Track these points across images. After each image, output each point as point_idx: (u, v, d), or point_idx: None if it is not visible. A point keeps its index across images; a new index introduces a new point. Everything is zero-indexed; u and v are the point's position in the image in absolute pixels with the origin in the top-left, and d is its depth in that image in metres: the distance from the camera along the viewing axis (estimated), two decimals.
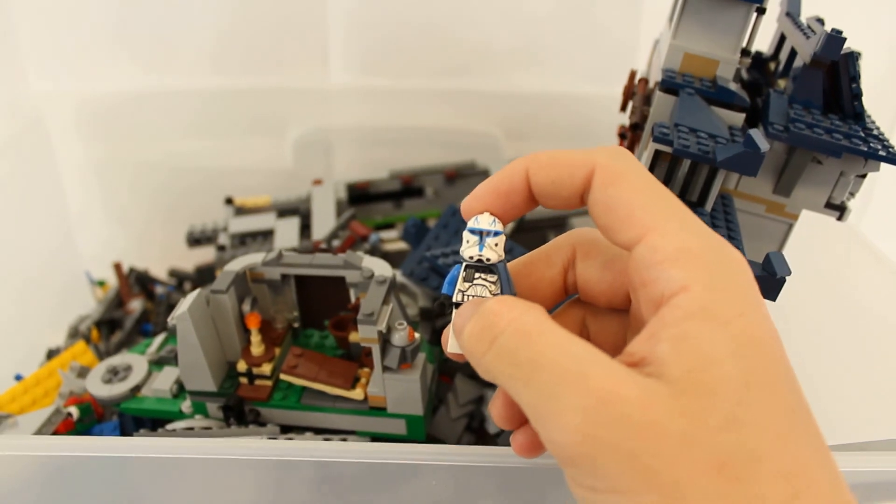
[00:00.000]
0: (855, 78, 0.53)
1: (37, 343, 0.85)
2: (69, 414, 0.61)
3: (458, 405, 0.62)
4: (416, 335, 0.55)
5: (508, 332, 0.32)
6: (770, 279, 0.42)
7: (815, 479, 0.28)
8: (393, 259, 0.80)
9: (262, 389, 0.59)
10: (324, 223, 0.84)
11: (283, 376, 0.59)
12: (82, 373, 0.67)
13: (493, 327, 0.32)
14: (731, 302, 0.30)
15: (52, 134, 0.94)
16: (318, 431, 0.59)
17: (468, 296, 0.36)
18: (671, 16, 0.58)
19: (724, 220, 0.51)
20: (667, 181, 0.50)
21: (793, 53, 0.59)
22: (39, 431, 0.59)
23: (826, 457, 0.30)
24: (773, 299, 0.43)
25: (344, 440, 0.58)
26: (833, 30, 0.51)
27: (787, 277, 0.42)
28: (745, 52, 0.55)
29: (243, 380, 0.59)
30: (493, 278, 0.37)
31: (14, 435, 0.59)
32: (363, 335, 0.53)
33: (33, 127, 0.91)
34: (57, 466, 0.48)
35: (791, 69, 0.58)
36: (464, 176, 0.93)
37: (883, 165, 0.53)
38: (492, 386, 0.63)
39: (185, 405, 0.61)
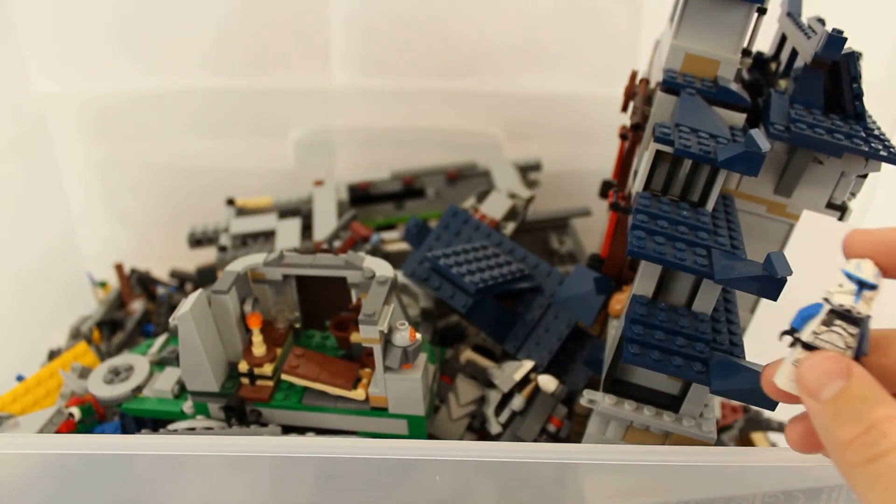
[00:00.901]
0: (856, 78, 0.53)
1: (38, 344, 0.85)
2: (71, 414, 0.61)
3: (459, 405, 0.62)
4: (418, 335, 0.55)
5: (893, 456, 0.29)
6: (771, 279, 0.42)
7: None
8: (394, 260, 0.80)
9: (264, 390, 0.59)
10: (325, 224, 0.84)
11: (284, 377, 0.59)
12: (84, 373, 0.67)
13: (877, 444, 0.30)
14: None
15: (55, 135, 0.94)
16: (320, 432, 0.59)
17: (822, 340, 0.34)
18: (672, 16, 0.58)
19: (725, 221, 0.51)
20: (668, 181, 0.50)
21: (794, 53, 0.59)
22: (41, 432, 0.59)
23: None
24: (775, 299, 0.43)
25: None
26: (834, 30, 0.51)
27: (788, 277, 0.42)
28: (746, 52, 0.55)
29: (245, 380, 0.59)
30: (854, 331, 0.34)
31: (17, 434, 0.59)
32: (364, 336, 0.53)
33: (35, 127, 0.91)
34: (60, 465, 0.48)
35: (792, 69, 0.58)
36: (465, 177, 0.93)
37: (884, 165, 0.53)
38: (492, 386, 0.63)
39: (187, 406, 0.61)
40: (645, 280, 0.49)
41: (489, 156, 0.98)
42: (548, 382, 0.60)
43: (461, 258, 0.65)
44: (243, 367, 0.59)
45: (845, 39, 0.51)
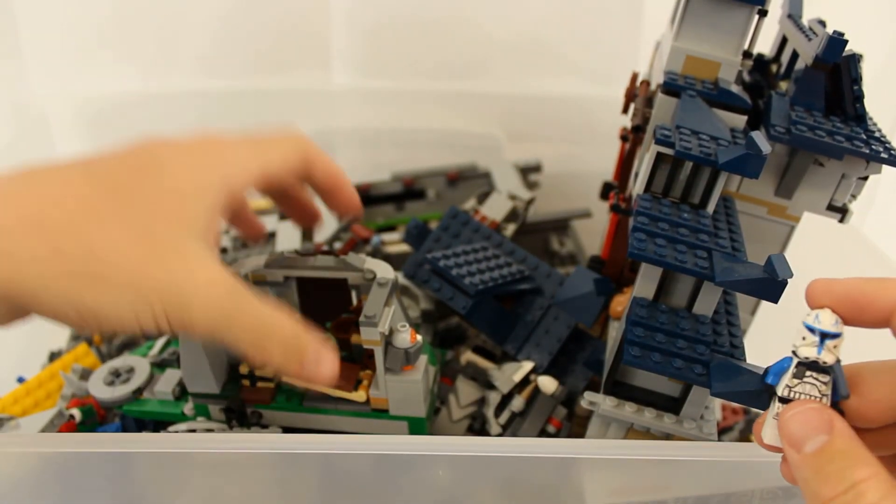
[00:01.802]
0: (857, 80, 0.53)
1: (39, 345, 0.85)
2: (71, 416, 0.61)
3: (459, 407, 0.62)
4: (419, 337, 0.55)
5: None
6: (772, 282, 0.42)
7: None
8: (395, 261, 0.80)
9: (265, 392, 0.59)
10: (325, 225, 0.84)
11: (285, 378, 0.59)
12: (84, 375, 0.67)
13: (858, 500, 0.31)
14: None
15: (55, 136, 0.94)
16: (321, 434, 0.59)
17: (797, 392, 0.35)
18: (673, 18, 0.58)
19: (725, 223, 0.51)
20: (669, 183, 0.50)
21: (794, 55, 0.59)
22: None
23: None
24: (775, 302, 0.43)
25: None
26: (835, 32, 0.51)
27: (788, 280, 0.42)
28: (746, 54, 0.55)
29: (245, 382, 0.59)
30: (826, 379, 0.35)
31: (18, 433, 0.59)
32: (365, 337, 0.53)
33: (35, 129, 0.91)
34: (62, 463, 0.48)
35: (793, 71, 0.58)
36: (465, 178, 0.93)
37: (885, 167, 0.53)
38: (492, 387, 0.63)
39: (188, 407, 0.61)
40: (646, 282, 0.49)
41: (489, 157, 0.98)
42: (547, 384, 0.60)
43: (461, 259, 0.65)
44: (244, 368, 0.59)
45: (846, 42, 0.51)
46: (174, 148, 0.46)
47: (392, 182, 0.94)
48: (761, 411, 0.38)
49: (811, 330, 0.35)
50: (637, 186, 0.53)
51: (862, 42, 0.56)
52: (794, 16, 0.61)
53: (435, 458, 0.46)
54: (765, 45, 0.64)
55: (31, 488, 0.49)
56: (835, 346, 0.35)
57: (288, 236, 0.84)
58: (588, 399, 0.52)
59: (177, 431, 0.59)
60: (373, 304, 0.53)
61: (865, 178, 0.56)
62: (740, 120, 0.54)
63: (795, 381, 0.35)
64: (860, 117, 0.54)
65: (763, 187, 0.57)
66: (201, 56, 0.97)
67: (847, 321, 0.35)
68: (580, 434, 0.59)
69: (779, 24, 0.64)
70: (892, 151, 0.51)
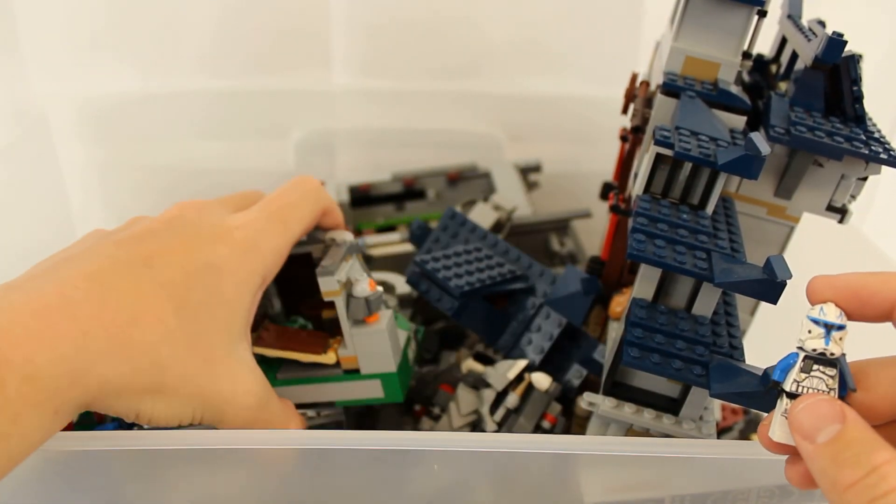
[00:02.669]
0: (856, 80, 0.53)
1: None
2: None
3: (460, 415, 0.62)
4: (378, 287, 0.57)
5: (893, 496, 0.30)
6: (771, 283, 0.42)
7: None
8: (395, 262, 0.80)
9: None
10: None
11: (255, 349, 0.59)
12: None
13: (877, 487, 0.31)
14: None
15: (55, 136, 0.94)
16: (297, 407, 0.60)
17: (805, 387, 0.36)
18: (672, 18, 0.58)
19: (725, 224, 0.51)
20: (668, 184, 0.50)
21: (794, 56, 0.59)
22: None
23: None
24: (774, 303, 0.43)
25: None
26: (834, 32, 0.51)
27: (788, 281, 0.42)
28: (746, 54, 0.55)
29: None
30: (832, 372, 0.35)
31: None
32: (324, 289, 0.55)
33: (35, 129, 0.91)
34: (62, 462, 0.48)
35: (792, 72, 0.58)
36: (465, 178, 0.93)
37: (884, 168, 0.53)
38: (486, 385, 0.63)
39: None
40: (645, 283, 0.49)
41: (490, 157, 0.98)
42: (541, 380, 0.60)
43: (451, 262, 0.65)
44: None
45: (845, 42, 0.51)
46: (228, 248, 0.50)
47: (392, 182, 0.94)
48: (761, 412, 0.38)
49: (816, 322, 0.35)
50: (636, 187, 0.53)
51: (861, 42, 0.56)
52: (793, 16, 0.61)
53: (430, 454, 0.46)
54: (764, 46, 0.64)
55: (30, 487, 0.49)
56: (840, 338, 0.35)
57: None
58: (587, 400, 0.52)
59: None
60: (330, 258, 0.56)
61: (865, 179, 0.56)
62: (740, 121, 0.54)
63: (803, 375, 0.36)
64: (860, 118, 0.54)
65: (762, 188, 0.57)
66: (201, 56, 0.97)
67: (849, 315, 0.36)
68: (580, 435, 0.59)
69: (778, 25, 0.64)
70: (892, 152, 0.51)
